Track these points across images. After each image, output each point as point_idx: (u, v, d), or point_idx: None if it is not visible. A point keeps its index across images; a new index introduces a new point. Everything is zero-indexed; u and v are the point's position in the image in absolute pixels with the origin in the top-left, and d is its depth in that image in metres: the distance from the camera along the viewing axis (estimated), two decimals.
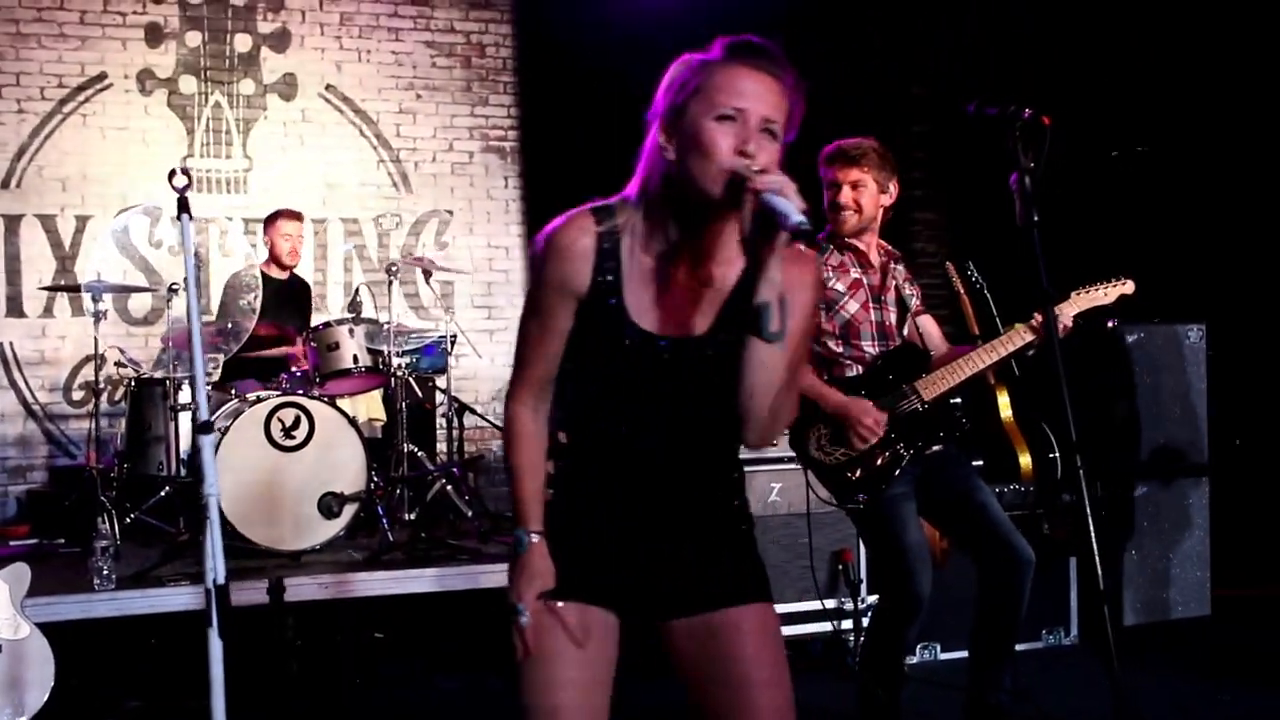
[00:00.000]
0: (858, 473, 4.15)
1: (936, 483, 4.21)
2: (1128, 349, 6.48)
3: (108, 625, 5.31)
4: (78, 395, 8.03)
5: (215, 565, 2.39)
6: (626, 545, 2.36)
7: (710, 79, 2.21)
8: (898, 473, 4.11)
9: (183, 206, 2.72)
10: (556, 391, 2.42)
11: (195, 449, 6.20)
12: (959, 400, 4.84)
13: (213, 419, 6.24)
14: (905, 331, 4.32)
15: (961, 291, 6.26)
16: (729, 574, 2.41)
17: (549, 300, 2.30)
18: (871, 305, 4.24)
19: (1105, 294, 4.23)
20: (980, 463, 5.85)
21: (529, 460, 2.36)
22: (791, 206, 2.07)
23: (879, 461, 4.13)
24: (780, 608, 5.51)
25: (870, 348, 4.22)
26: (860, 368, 4.21)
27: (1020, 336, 4.14)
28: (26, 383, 8.00)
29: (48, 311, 8.01)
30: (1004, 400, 6.11)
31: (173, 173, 2.78)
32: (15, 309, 8.03)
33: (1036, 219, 3.13)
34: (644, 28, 7.76)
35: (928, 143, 8.88)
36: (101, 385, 7.64)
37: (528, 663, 2.33)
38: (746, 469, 5.52)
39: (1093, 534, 3.02)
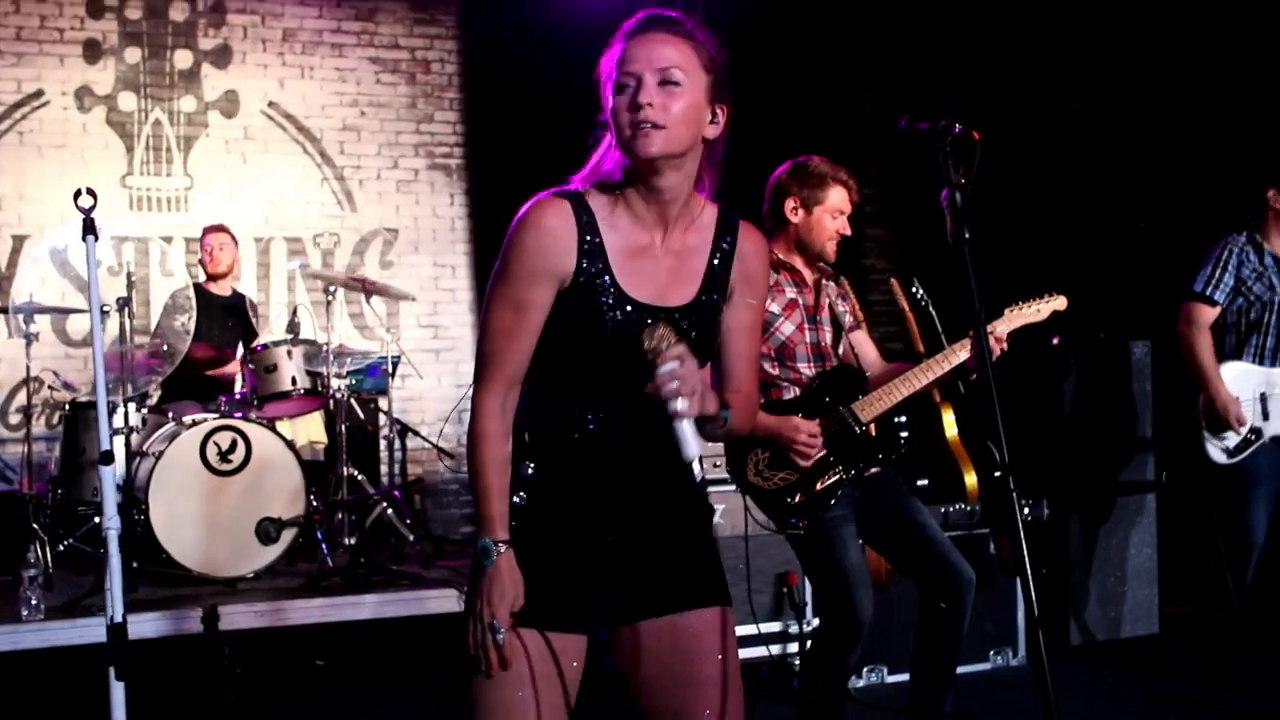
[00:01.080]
0: (797, 497, 4.08)
1: (874, 504, 4.15)
2: (1073, 365, 6.46)
3: (38, 656, 5.19)
4: (15, 419, 7.87)
5: (113, 602, 2.29)
6: (597, 555, 2.34)
7: (612, 62, 2.32)
8: (836, 497, 4.05)
9: (88, 228, 2.64)
10: (523, 389, 2.39)
11: (127, 476, 6.10)
12: (903, 419, 4.78)
13: (146, 444, 6.18)
14: (840, 350, 4.26)
15: (906, 308, 6.22)
16: (694, 574, 2.40)
17: (528, 288, 2.29)
18: (807, 326, 4.17)
19: (1038, 310, 4.21)
20: (925, 482, 5.81)
21: (495, 461, 2.30)
22: (689, 437, 2.14)
23: (818, 486, 4.06)
24: None
25: (806, 369, 4.15)
26: (797, 390, 4.14)
27: (955, 355, 4.11)
28: None
29: None
30: (949, 419, 6.05)
31: (78, 193, 2.70)
32: None
33: (968, 236, 3.07)
34: (591, 43, 7.69)
35: (878, 158, 8.86)
36: (39, 408, 7.53)
37: (489, 684, 2.27)
38: None
39: (1026, 556, 2.95)
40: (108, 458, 2.31)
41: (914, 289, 6.28)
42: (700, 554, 2.43)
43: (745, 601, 5.47)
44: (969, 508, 5.88)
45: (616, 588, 2.35)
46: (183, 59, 8.43)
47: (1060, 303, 4.23)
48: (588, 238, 2.30)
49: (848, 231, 4.20)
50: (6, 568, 6.33)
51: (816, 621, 5.40)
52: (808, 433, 4.00)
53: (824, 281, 4.27)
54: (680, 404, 2.10)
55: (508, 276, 2.29)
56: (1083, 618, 6.27)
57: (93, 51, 8.22)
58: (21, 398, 7.71)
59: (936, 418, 6.08)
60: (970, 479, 5.99)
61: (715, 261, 2.40)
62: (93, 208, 2.64)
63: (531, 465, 2.33)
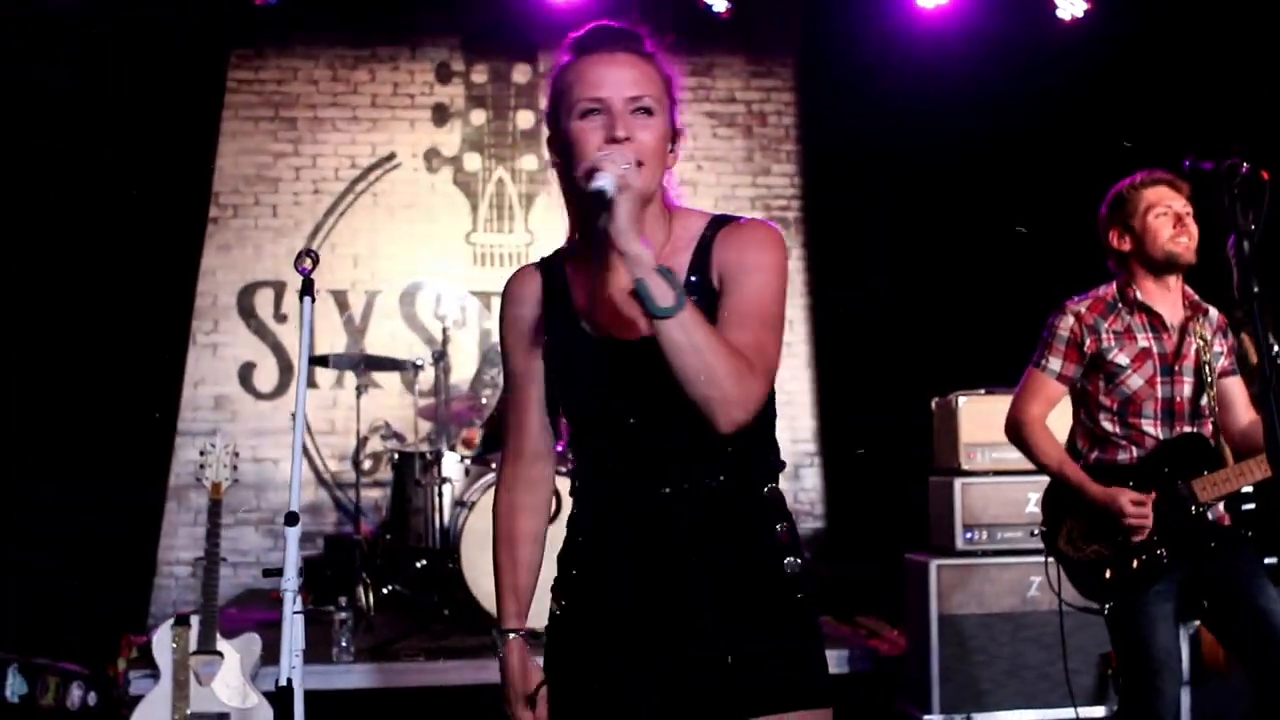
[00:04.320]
0: (1108, 574, 3.69)
1: (1209, 580, 3.68)
2: None
3: (345, 696, 5.36)
4: (366, 464, 8.25)
5: (285, 663, 2.26)
6: (641, 640, 2.09)
7: (566, 80, 2.12)
8: (1154, 580, 3.63)
9: (306, 289, 2.66)
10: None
11: (452, 524, 6.26)
12: (1249, 489, 4.28)
13: (467, 493, 6.32)
14: (1204, 403, 3.77)
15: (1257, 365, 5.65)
16: (773, 667, 2.06)
17: (513, 357, 2.22)
18: (1159, 379, 3.73)
19: None
20: (1274, 560, 5.21)
21: (504, 547, 2.26)
22: (605, 176, 1.93)
23: (1135, 564, 3.64)
24: (1041, 714, 5.07)
25: (1152, 429, 3.72)
26: (1136, 450, 3.73)
27: None
28: (319, 451, 8.29)
29: (338, 383, 8.29)
30: None
31: (300, 255, 2.72)
32: (310, 380, 8.31)
33: (1258, 290, 2.70)
34: (928, 96, 7.46)
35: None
36: (385, 455, 7.88)
37: None
38: (1003, 559, 5.12)
39: None
40: (293, 519, 2.30)
41: (1275, 348, 5.69)
42: (786, 643, 2.09)
43: (1062, 683, 5.08)
44: None
45: (668, 693, 2.08)
46: (524, 119, 8.69)
47: None
48: (553, 284, 2.19)
49: (1188, 223, 3.72)
50: (347, 607, 6.64)
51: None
52: (1134, 512, 3.60)
53: (1196, 321, 3.80)
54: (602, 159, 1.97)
55: (501, 354, 2.24)
56: None
57: (441, 115, 8.60)
58: (370, 446, 8.11)
59: None
60: None
61: (693, 257, 2.15)
62: (312, 269, 2.66)
63: (574, 568, 2.19)
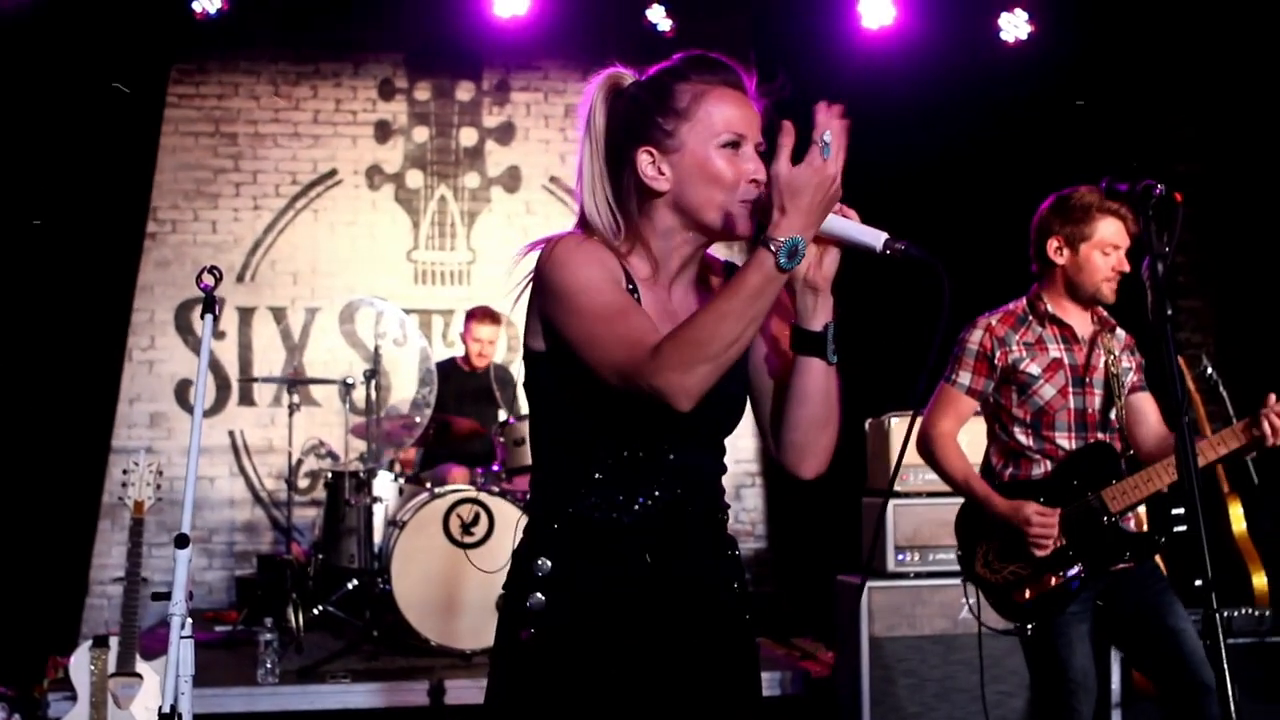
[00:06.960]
0: (1026, 594, 3.67)
1: (1121, 601, 3.67)
2: None
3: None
4: (303, 483, 8.16)
5: (170, 689, 2.20)
6: (631, 677, 2.06)
7: (702, 104, 2.11)
8: (1072, 598, 3.61)
9: (208, 306, 2.60)
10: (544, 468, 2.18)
11: (384, 543, 6.19)
12: (1179, 511, 4.29)
13: (400, 513, 6.26)
14: (1113, 415, 3.75)
15: (1193, 389, 5.70)
16: (732, 692, 2.15)
17: (616, 286, 2.08)
18: (1071, 390, 3.71)
19: None
20: (1201, 582, 5.23)
21: None
22: (866, 230, 2.00)
23: (1052, 582, 3.63)
24: None
25: (1065, 440, 3.70)
26: (1049, 464, 3.71)
27: (1227, 442, 3.60)
28: (255, 470, 8.19)
29: (276, 401, 8.18)
30: (1237, 512, 5.48)
31: (202, 271, 2.66)
32: (247, 398, 8.25)
33: (1170, 313, 2.68)
34: (873, 115, 7.43)
35: (1192, 223, 8.19)
36: (321, 474, 7.79)
37: None
38: (934, 581, 5.11)
39: None
40: (183, 541, 2.23)
41: (1203, 367, 5.73)
42: (743, 668, 2.17)
43: (1000, 703, 5.06)
44: (1257, 612, 5.25)
45: (651, 706, 2.07)
46: (468, 136, 8.64)
47: None
48: (626, 279, 2.11)
49: (1125, 268, 3.70)
50: (279, 628, 6.55)
51: None
52: (1039, 523, 3.59)
53: (1104, 335, 3.78)
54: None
55: (586, 285, 2.06)
56: None
57: (383, 132, 8.54)
58: (308, 465, 8.03)
59: (1222, 510, 5.51)
60: (1259, 580, 5.39)
61: None
62: (214, 286, 2.60)
63: (549, 561, 2.06)
